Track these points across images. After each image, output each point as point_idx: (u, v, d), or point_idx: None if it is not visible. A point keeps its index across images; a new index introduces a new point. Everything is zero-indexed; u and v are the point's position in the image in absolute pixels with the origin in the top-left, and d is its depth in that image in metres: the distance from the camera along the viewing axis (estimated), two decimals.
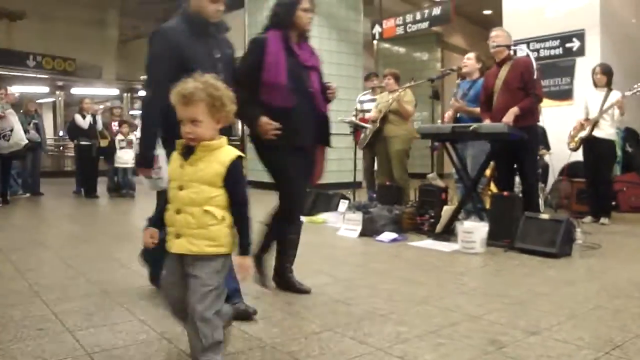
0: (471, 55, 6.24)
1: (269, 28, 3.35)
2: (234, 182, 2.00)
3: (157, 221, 2.12)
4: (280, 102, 3.15)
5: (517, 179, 5.49)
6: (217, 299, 2.00)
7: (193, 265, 1.98)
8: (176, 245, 2.00)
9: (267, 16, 3.43)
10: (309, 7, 3.33)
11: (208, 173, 1.98)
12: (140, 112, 2.86)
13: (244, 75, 3.17)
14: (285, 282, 3.48)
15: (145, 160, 2.89)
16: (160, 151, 2.92)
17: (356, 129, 7.60)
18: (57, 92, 18.84)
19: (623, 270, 4.06)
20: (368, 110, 7.74)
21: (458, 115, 6.05)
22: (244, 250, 2.03)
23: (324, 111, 3.39)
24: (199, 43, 2.88)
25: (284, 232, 3.45)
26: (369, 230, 5.47)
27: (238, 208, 2.03)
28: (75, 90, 18.40)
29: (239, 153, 2.02)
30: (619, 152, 7.24)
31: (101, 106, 14.81)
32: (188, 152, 2.02)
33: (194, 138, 1.98)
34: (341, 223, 5.87)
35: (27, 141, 8.61)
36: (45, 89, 18.85)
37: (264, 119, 3.12)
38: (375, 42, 15.01)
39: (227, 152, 2.02)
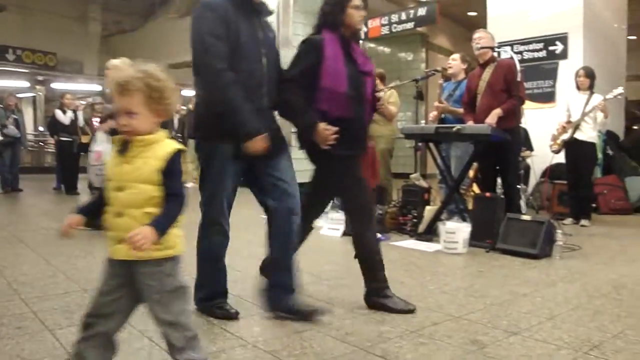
0: (456, 56, 6.27)
1: (321, 28, 3.11)
2: (171, 175, 1.82)
3: (88, 210, 1.93)
4: (339, 112, 2.97)
5: (500, 180, 5.53)
6: (177, 300, 1.86)
7: (142, 272, 1.83)
8: (120, 252, 1.81)
9: (316, 15, 3.18)
10: (360, 4, 3.08)
11: (146, 171, 1.80)
12: (215, 96, 2.71)
13: (296, 78, 2.97)
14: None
15: (255, 129, 2.66)
16: (105, 146, 2.82)
17: None
18: (38, 87, 18.60)
19: (602, 271, 4.11)
20: None
21: (443, 115, 6.08)
22: (157, 226, 1.77)
23: (370, 119, 3.29)
24: (244, 21, 2.71)
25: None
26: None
27: (173, 196, 1.83)
28: (56, 85, 18.18)
29: (179, 146, 1.86)
30: (599, 155, 7.33)
31: (82, 102, 14.65)
32: (125, 148, 1.84)
33: (130, 131, 1.82)
34: (324, 222, 5.86)
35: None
36: (25, 84, 18.59)
37: (322, 125, 2.92)
38: (360, 41, 15.01)
39: (165, 146, 1.85)
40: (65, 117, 9.84)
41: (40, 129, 17.91)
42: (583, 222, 6.37)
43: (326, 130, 2.92)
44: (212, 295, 2.93)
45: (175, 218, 1.84)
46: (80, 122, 10.07)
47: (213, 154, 2.79)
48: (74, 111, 10.01)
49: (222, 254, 2.97)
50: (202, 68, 2.70)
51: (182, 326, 1.86)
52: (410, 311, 2.99)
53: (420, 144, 6.40)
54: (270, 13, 2.90)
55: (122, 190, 1.81)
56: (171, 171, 1.82)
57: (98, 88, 18.89)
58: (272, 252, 2.98)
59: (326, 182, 3.22)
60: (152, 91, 1.81)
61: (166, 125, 10.01)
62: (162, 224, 1.80)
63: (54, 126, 10.14)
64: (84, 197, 9.62)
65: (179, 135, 11.25)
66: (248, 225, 6.37)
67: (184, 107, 12.00)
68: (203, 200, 2.90)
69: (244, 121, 2.64)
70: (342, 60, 3.00)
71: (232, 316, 2.86)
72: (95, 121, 10.38)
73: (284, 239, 2.92)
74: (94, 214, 1.91)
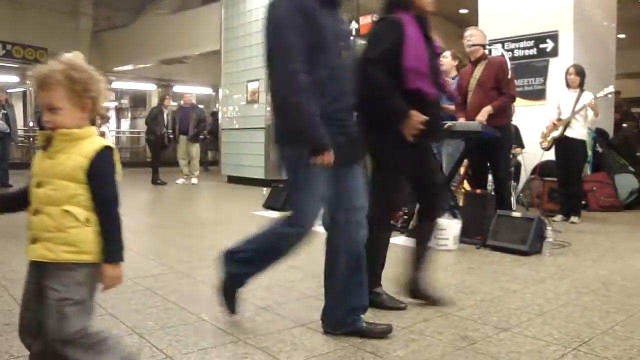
0: (447, 53, 6.27)
1: (392, 8, 2.95)
2: (100, 176, 1.69)
3: (7, 196, 1.85)
4: (427, 88, 2.85)
5: (490, 177, 5.55)
6: (79, 315, 1.66)
7: (51, 275, 1.66)
8: (31, 252, 1.68)
9: None
10: None
11: (68, 166, 1.67)
12: (286, 98, 2.41)
13: (380, 58, 2.83)
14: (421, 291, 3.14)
15: (321, 145, 2.36)
16: None
17: None
18: (28, 82, 18.45)
19: (592, 268, 4.13)
20: None
21: None
22: (111, 256, 1.70)
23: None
24: (325, 10, 2.46)
25: (429, 234, 3.21)
26: None
27: (104, 207, 1.70)
28: None
29: (107, 143, 1.73)
30: (589, 152, 7.37)
31: None
32: (48, 143, 1.72)
33: (53, 128, 1.70)
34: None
35: None
36: (15, 79, 18.47)
37: (415, 113, 2.79)
38: (351, 38, 15.01)
39: (92, 143, 1.71)
40: None
41: (31, 124, 17.78)
42: (573, 219, 6.41)
43: (417, 118, 2.79)
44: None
45: (119, 232, 1.72)
46: None
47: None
48: None
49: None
50: (275, 64, 2.43)
51: (84, 346, 1.67)
52: (401, 308, 2.99)
53: None
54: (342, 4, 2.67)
55: (41, 186, 1.69)
56: (98, 171, 1.68)
57: None
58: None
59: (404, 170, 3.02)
60: (74, 84, 1.69)
61: (157, 121, 9.94)
62: (114, 251, 1.70)
63: (42, 121, 10.05)
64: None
65: (169, 131, 11.21)
66: (236, 221, 6.39)
67: (174, 103, 11.97)
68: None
69: (313, 134, 2.36)
70: (422, 41, 2.89)
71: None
72: None
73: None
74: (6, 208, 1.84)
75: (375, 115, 2.83)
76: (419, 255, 3.16)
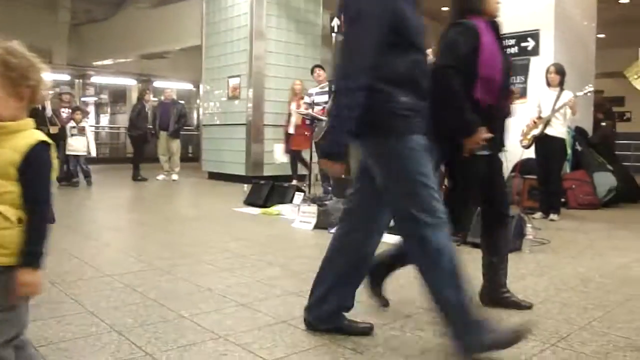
0: (428, 51, 6.27)
1: (464, 13, 2.89)
2: (32, 173, 1.55)
3: None
4: (491, 100, 2.79)
5: None
6: (5, 324, 1.54)
7: None
8: None
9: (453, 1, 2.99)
10: None
11: None
12: (337, 85, 2.31)
13: (456, 65, 2.74)
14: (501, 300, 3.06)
15: (338, 152, 2.30)
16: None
17: (312, 122, 7.59)
18: None
19: (570, 265, 4.18)
20: (318, 104, 7.76)
21: None
22: (31, 260, 1.54)
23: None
24: (406, 3, 2.31)
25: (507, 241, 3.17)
26: (324, 222, 5.47)
27: (32, 206, 1.55)
28: None
29: (43, 138, 1.59)
30: (569, 151, 7.44)
31: (50, 92, 14.37)
32: None
33: None
34: (296, 215, 5.85)
35: None
36: None
37: (483, 130, 2.72)
38: (333, 35, 15.01)
39: (27, 136, 1.57)
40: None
41: None
42: (552, 216, 6.47)
43: (482, 134, 2.72)
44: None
45: (44, 235, 1.58)
46: (48, 112, 9.85)
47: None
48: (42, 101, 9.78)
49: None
50: (353, 56, 2.24)
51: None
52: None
53: None
54: None
55: None
56: (31, 167, 1.54)
57: (67, 78, 18.56)
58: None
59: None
60: (9, 70, 1.56)
61: (146, 117, 9.86)
62: (34, 254, 1.55)
63: None
64: (54, 188, 9.45)
65: (150, 127, 11.13)
66: (217, 217, 6.36)
67: (155, 99, 11.87)
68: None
69: (330, 143, 2.34)
70: (497, 47, 2.83)
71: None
72: (63, 112, 10.22)
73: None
74: None
75: (444, 125, 2.66)
76: (500, 266, 3.09)
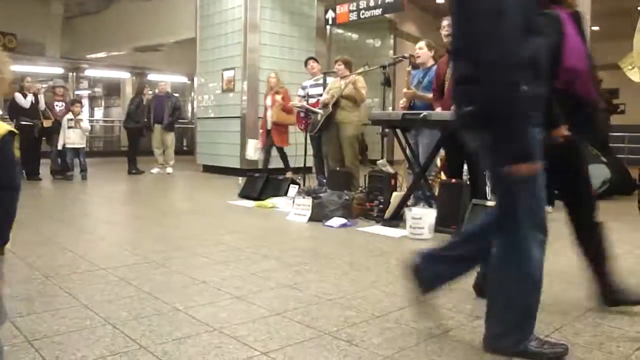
0: (422, 44, 6.25)
1: (546, 3, 2.76)
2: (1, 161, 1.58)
3: None
4: (582, 91, 2.74)
5: (466, 167, 5.58)
6: None
7: None
8: None
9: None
10: None
11: None
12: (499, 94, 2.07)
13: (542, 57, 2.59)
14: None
15: (528, 153, 2.18)
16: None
17: (306, 114, 7.58)
18: None
19: (563, 256, 4.18)
20: (312, 96, 7.74)
21: (412, 103, 6.09)
22: None
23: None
24: None
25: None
26: (318, 215, 5.48)
27: (3, 192, 1.59)
28: (16, 68, 17.63)
29: (9, 128, 1.61)
30: None
31: (44, 85, 14.31)
32: None
33: None
34: (291, 208, 5.86)
35: None
36: None
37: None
38: (328, 27, 15.00)
39: None
40: (25, 101, 9.57)
41: (0, 112, 17.41)
42: (546, 208, 6.48)
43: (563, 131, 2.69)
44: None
45: (13, 215, 1.60)
46: (42, 106, 9.81)
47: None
48: (35, 95, 9.73)
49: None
50: (491, 50, 2.09)
51: None
52: None
53: (386, 130, 6.42)
54: None
55: None
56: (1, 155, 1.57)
57: (60, 71, 18.46)
58: None
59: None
60: None
61: (142, 110, 9.78)
62: (1, 229, 1.57)
63: (13, 110, 9.85)
64: (46, 183, 9.43)
65: (145, 120, 11.10)
66: (212, 210, 6.35)
67: (150, 92, 11.83)
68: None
69: (520, 143, 2.18)
70: (580, 39, 2.78)
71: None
72: (57, 105, 10.17)
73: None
74: None
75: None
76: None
